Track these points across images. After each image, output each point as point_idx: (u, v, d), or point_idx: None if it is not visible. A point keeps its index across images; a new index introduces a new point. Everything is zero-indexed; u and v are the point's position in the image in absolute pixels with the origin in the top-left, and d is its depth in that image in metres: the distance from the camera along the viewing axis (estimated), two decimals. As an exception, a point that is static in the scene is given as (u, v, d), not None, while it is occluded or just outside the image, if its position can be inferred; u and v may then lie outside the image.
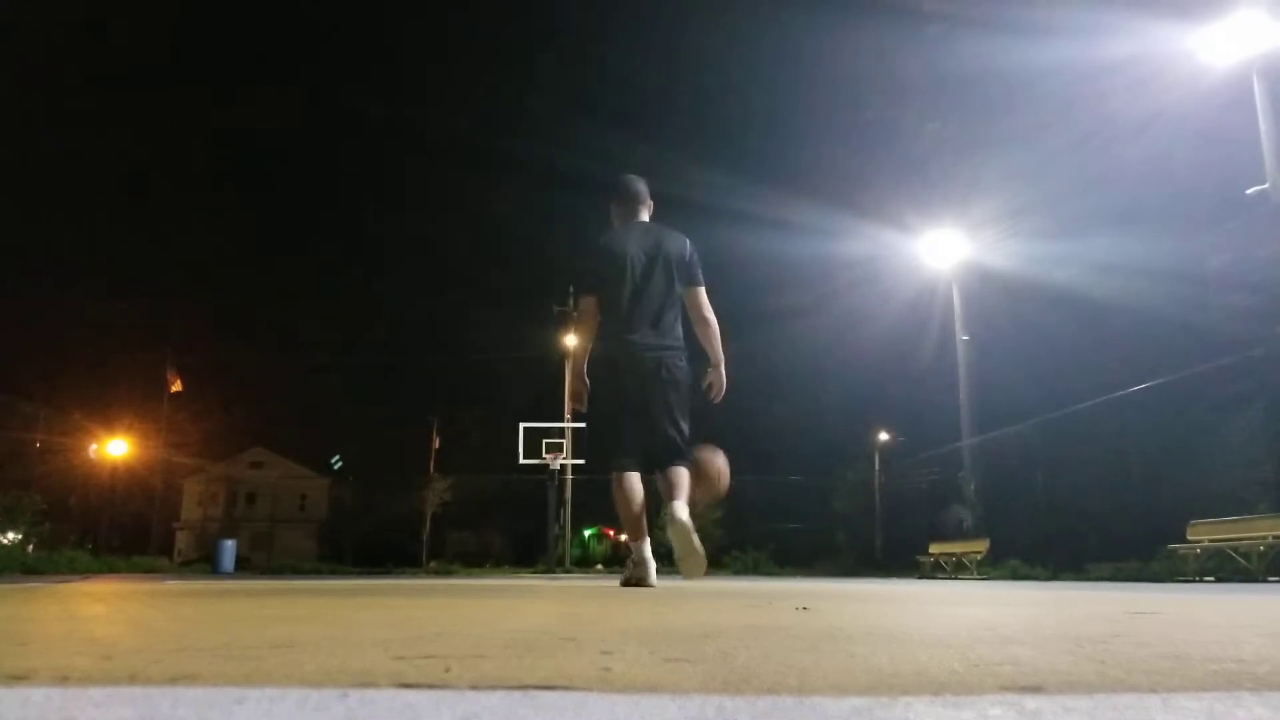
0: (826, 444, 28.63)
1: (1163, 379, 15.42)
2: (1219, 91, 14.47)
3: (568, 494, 23.77)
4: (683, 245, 4.22)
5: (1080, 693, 0.92)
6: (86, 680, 0.93)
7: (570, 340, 21.85)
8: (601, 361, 4.18)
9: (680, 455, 4.13)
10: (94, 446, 27.56)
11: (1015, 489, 18.52)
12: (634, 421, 4.08)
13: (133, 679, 0.93)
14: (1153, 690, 0.94)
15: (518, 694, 0.87)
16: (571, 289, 4.06)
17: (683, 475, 4.08)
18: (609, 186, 4.47)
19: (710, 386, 4.35)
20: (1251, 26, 13.06)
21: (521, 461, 20.81)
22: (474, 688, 0.90)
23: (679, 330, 4.19)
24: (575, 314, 4.39)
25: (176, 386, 25.59)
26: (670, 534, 3.93)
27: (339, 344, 51.76)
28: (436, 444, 29.41)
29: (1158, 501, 14.06)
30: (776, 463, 27.81)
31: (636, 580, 4.11)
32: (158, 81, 57.32)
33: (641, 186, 4.41)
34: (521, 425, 20.96)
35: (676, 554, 3.96)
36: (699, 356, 4.35)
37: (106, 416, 28.79)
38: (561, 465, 21.19)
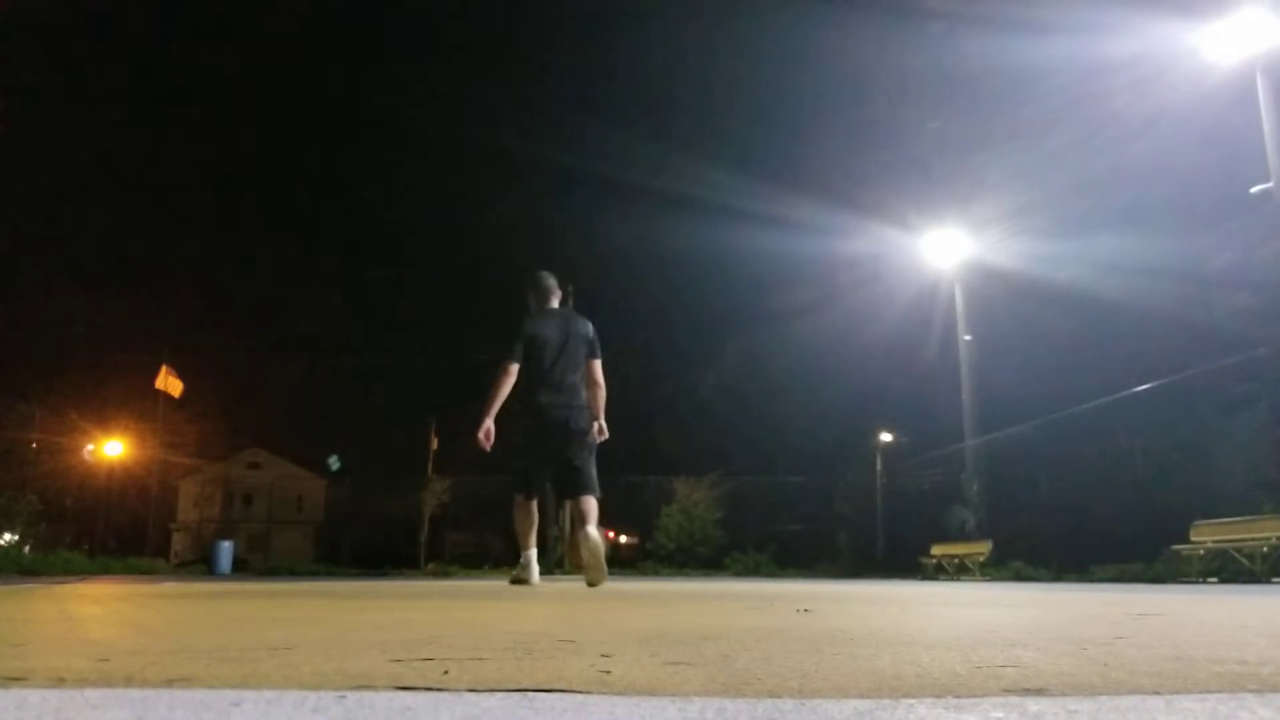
0: (828, 444, 28.60)
1: (1166, 379, 15.39)
2: (1222, 90, 14.44)
3: (568, 495, 23.73)
4: (587, 327, 5.52)
5: (1083, 695, 0.91)
6: (83, 682, 0.92)
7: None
8: (526, 415, 5.35)
9: (589, 488, 5.33)
10: (90, 447, 27.59)
11: (1018, 490, 18.50)
12: (548, 461, 5.35)
13: (129, 681, 0.93)
14: (1156, 692, 0.93)
15: (517, 696, 0.86)
16: (501, 354, 5.47)
17: (591, 504, 5.28)
18: (529, 281, 5.68)
19: (598, 431, 5.53)
20: (1255, 24, 13.04)
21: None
22: (473, 690, 0.89)
23: (583, 392, 5.42)
24: (498, 375, 5.37)
25: (177, 390, 25.55)
26: (583, 550, 5.06)
27: (337, 344, 51.82)
28: (435, 445, 29.39)
29: (1161, 502, 14.03)
30: (777, 463, 27.82)
31: (523, 579, 5.37)
32: (156, 79, 57.40)
33: (554, 281, 5.69)
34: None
35: (585, 564, 5.04)
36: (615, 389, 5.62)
37: (103, 417, 28.82)
38: (562, 466, 21.12)
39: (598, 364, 5.51)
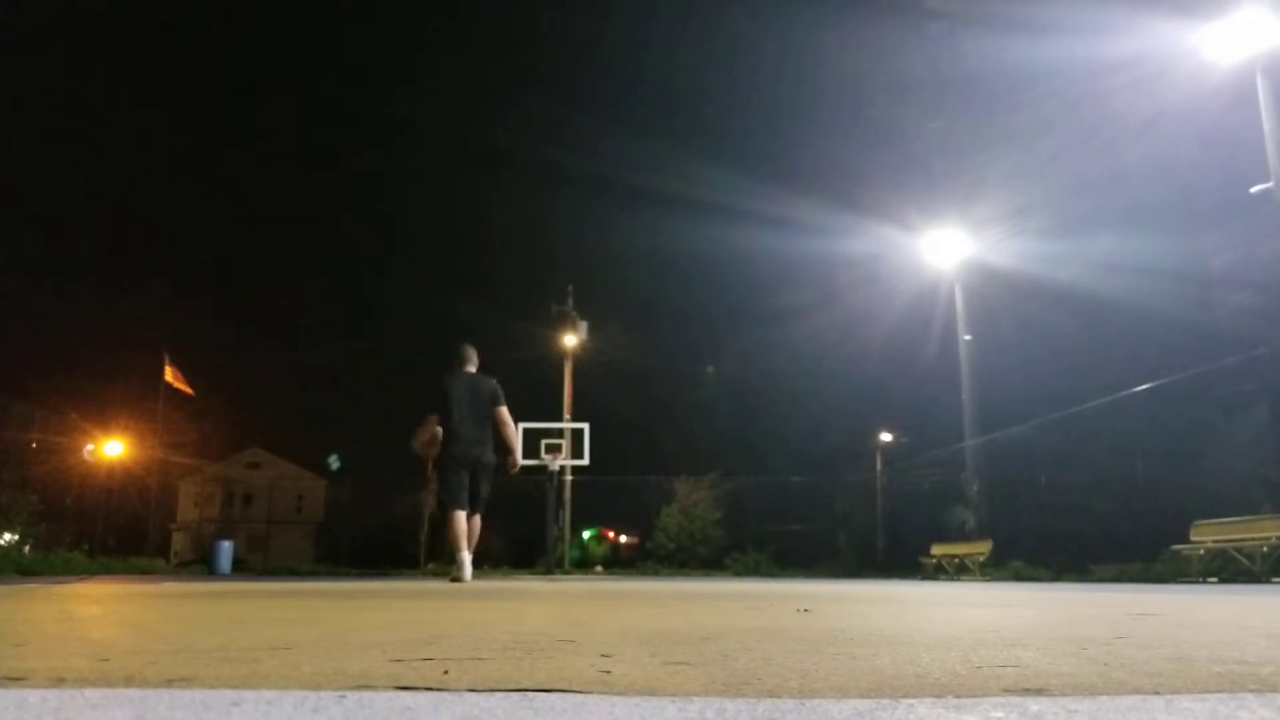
0: (828, 444, 28.60)
1: (1166, 379, 15.38)
2: (1222, 90, 14.44)
3: (567, 495, 23.72)
4: (493, 385, 7.45)
5: (1084, 695, 0.91)
6: (83, 682, 0.92)
7: (569, 341, 24.65)
8: (446, 452, 7.24)
9: (480, 507, 7.31)
10: (90, 447, 27.55)
11: (1018, 490, 18.48)
12: (464, 485, 7.21)
13: (129, 681, 0.93)
14: (1156, 692, 0.93)
15: (516, 696, 0.86)
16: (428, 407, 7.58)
17: (477, 523, 7.30)
18: (453, 351, 7.62)
19: (511, 465, 7.83)
20: (1255, 24, 13.04)
21: (520, 462, 20.71)
22: (473, 690, 0.89)
23: (489, 434, 7.36)
24: (423, 421, 7.37)
25: (187, 387, 25.46)
26: (460, 568, 7.06)
27: (337, 344, 51.85)
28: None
29: (1161, 502, 14.03)
30: (778, 463, 27.79)
31: (459, 579, 6.95)
32: (156, 78, 57.36)
33: (472, 353, 7.60)
34: (520, 425, 20.89)
35: (454, 575, 7.07)
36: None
37: (103, 416, 28.82)
38: (561, 466, 21.12)
39: (502, 410, 7.42)
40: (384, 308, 62.09)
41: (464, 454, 7.14)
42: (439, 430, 7.31)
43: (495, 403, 7.36)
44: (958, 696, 0.89)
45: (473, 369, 7.57)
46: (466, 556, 7.00)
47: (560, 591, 4.58)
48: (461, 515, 7.07)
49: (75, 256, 52.84)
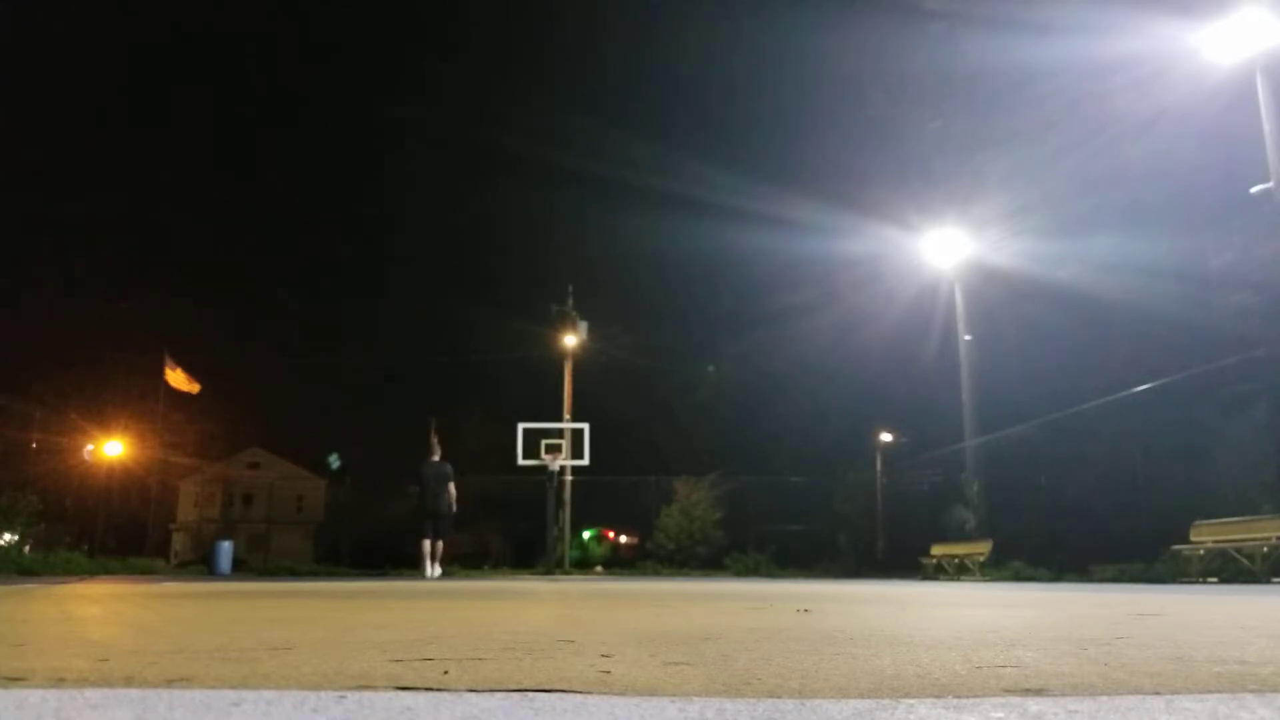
0: (828, 445, 28.52)
1: (1166, 379, 15.38)
2: (1222, 90, 14.45)
3: (567, 495, 23.72)
4: (447, 468, 13.26)
5: (1084, 695, 0.91)
6: (83, 682, 0.92)
7: (569, 341, 25.30)
8: (420, 503, 13.20)
9: (445, 535, 13.19)
10: (90, 447, 27.55)
11: (1018, 490, 18.48)
12: (432, 524, 13.03)
13: (129, 681, 0.93)
14: (1156, 692, 0.93)
15: (516, 696, 0.86)
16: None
17: (440, 544, 13.03)
18: (425, 442, 13.91)
19: (451, 504, 13.30)
20: (1255, 24, 13.05)
21: (520, 462, 20.73)
22: (473, 690, 0.89)
23: (448, 497, 13.10)
24: (415, 491, 13.50)
25: (193, 387, 25.36)
26: (423, 573, 12.84)
27: (336, 344, 51.88)
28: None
29: (1161, 502, 14.03)
30: (777, 463, 27.74)
31: (424, 577, 12.49)
32: (155, 78, 57.40)
33: (435, 442, 13.34)
34: (520, 426, 20.88)
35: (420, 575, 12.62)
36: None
37: (103, 417, 28.84)
38: (561, 466, 21.12)
39: (451, 485, 13.01)
40: (384, 308, 62.16)
41: (430, 513, 12.83)
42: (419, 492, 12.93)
43: (449, 479, 13.02)
44: (958, 696, 0.90)
45: (437, 456, 13.11)
46: (427, 566, 12.62)
47: (560, 592, 4.59)
48: (425, 542, 12.74)
49: (75, 256, 52.86)
